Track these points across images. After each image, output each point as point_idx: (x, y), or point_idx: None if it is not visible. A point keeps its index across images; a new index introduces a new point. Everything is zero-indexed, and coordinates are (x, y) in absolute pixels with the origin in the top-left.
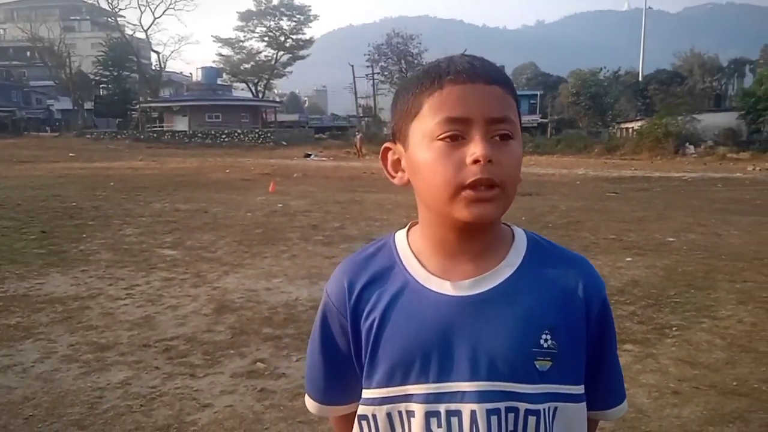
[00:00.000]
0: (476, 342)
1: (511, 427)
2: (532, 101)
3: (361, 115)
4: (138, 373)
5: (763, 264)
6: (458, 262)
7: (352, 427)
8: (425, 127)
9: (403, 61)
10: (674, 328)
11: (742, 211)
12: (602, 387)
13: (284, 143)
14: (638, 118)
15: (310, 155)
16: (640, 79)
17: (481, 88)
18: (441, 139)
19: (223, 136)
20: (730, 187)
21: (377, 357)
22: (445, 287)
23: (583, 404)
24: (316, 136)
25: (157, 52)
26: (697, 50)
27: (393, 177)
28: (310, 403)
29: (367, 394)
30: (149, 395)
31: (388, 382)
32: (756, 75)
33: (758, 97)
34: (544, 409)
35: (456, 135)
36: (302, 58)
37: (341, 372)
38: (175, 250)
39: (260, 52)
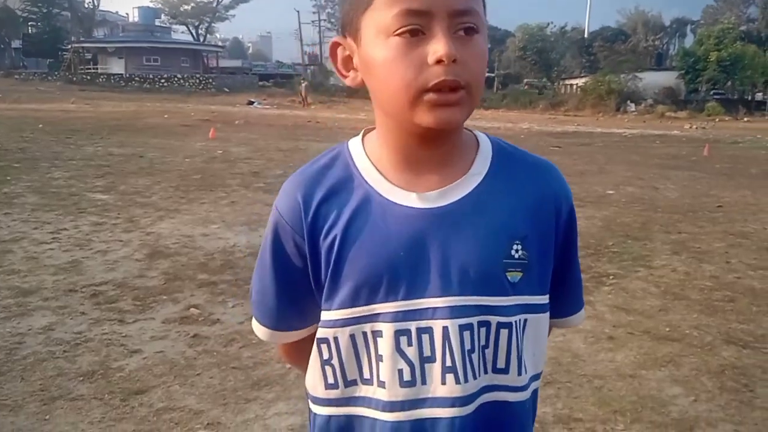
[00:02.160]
0: (447, 256)
1: (483, 342)
2: None
3: (307, 63)
4: (62, 318)
5: (697, 216)
6: (422, 172)
7: (302, 353)
8: (380, 20)
9: None
10: (611, 277)
11: (678, 167)
12: (566, 294)
13: (226, 90)
14: (582, 74)
15: (253, 102)
16: (585, 35)
17: None
18: (398, 35)
19: (162, 81)
20: (668, 143)
21: (341, 277)
22: (410, 199)
23: (548, 314)
24: (260, 83)
25: None
26: (641, 8)
27: (345, 77)
28: (261, 330)
29: (327, 315)
30: (74, 341)
31: (352, 303)
32: (696, 35)
33: (698, 57)
34: (515, 322)
35: (415, 29)
36: (246, 1)
37: (296, 295)
38: (107, 195)
39: None
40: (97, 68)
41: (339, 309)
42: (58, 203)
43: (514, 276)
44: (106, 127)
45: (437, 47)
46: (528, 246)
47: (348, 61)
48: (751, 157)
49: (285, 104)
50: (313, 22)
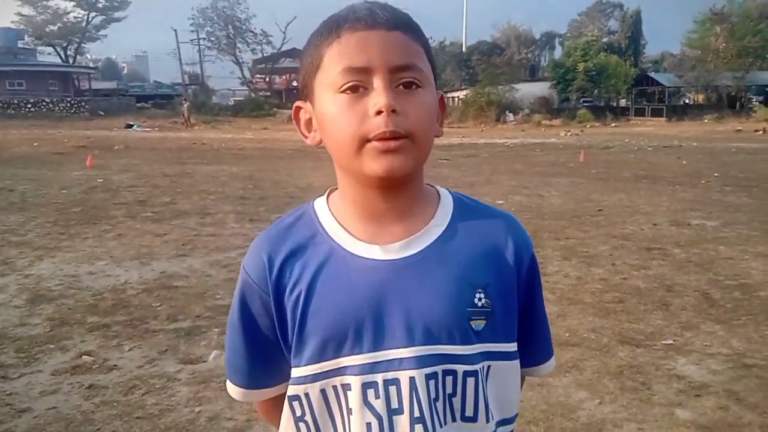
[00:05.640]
0: (410, 306)
1: (449, 390)
2: None
3: (188, 82)
4: None
5: (582, 221)
6: (385, 225)
7: (279, 409)
8: (327, 79)
9: (230, 27)
10: None
11: (559, 173)
12: (533, 343)
13: (102, 113)
14: (463, 87)
15: (132, 126)
16: (463, 49)
17: (382, 34)
18: (343, 91)
19: (29, 106)
20: (547, 151)
21: (306, 332)
22: (374, 252)
23: (517, 362)
24: (139, 105)
25: None
26: (513, 23)
27: (306, 137)
28: (235, 390)
29: (297, 372)
30: None
31: (319, 357)
32: (564, 48)
33: (567, 68)
34: (479, 369)
35: (357, 86)
36: (118, 20)
37: (266, 354)
38: None
39: (68, 13)
40: None
41: (308, 365)
42: None
43: (477, 324)
44: None
45: (377, 99)
46: (490, 294)
47: (309, 123)
48: (622, 162)
49: (167, 126)
50: (191, 41)
